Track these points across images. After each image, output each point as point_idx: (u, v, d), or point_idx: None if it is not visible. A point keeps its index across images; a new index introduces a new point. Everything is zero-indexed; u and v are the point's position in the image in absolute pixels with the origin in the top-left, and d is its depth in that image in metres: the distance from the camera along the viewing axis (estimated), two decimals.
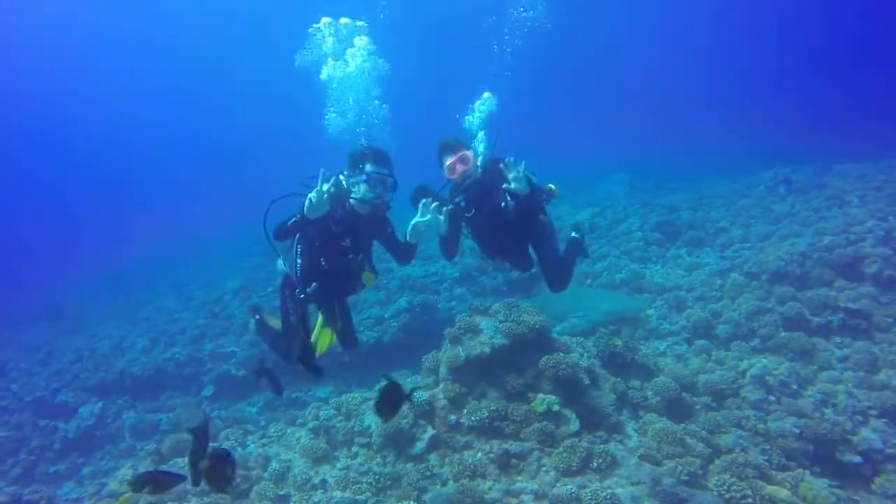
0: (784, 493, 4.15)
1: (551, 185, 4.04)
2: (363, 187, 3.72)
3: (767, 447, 5.12)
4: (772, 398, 5.99)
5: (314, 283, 3.72)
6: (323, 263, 3.77)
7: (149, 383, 9.44)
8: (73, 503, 6.74)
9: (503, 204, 3.95)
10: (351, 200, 3.76)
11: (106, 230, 30.14)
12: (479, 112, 4.28)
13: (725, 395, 6.08)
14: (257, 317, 4.60)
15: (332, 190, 3.51)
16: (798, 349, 6.67)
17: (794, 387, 6.13)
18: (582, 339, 6.50)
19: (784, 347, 6.76)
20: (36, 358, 11.44)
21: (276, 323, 4.42)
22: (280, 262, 4.06)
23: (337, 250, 3.80)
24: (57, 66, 32.74)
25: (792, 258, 7.99)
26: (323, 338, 4.27)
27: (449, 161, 4.03)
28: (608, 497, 3.86)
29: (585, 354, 5.91)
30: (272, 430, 5.93)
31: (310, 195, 3.45)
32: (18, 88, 32.84)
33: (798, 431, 5.33)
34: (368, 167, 3.73)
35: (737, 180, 13.63)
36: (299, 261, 3.82)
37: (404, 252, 4.09)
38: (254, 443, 5.81)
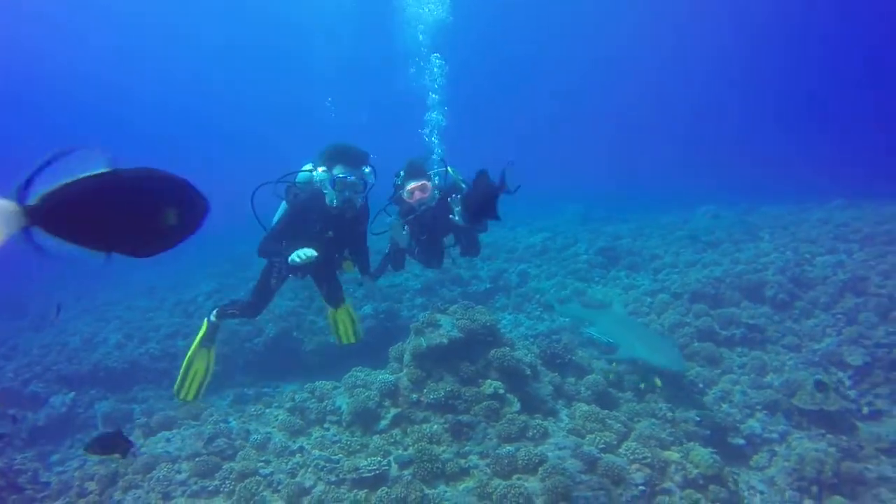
0: (676, 456, 5.22)
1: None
2: (331, 191, 4.00)
3: (672, 430, 6.23)
4: (682, 394, 7.14)
5: (299, 273, 4.29)
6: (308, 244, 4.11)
7: (122, 376, 9.87)
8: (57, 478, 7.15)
9: (446, 237, 4.95)
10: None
11: None
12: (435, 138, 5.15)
13: (643, 392, 7.19)
14: (218, 309, 5.31)
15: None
16: (707, 356, 7.88)
17: (701, 386, 7.31)
18: (529, 341, 7.55)
19: (696, 355, 7.97)
20: (0, 352, 11.62)
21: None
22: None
23: (320, 240, 4.17)
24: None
25: (709, 282, 9.30)
26: (196, 367, 5.06)
27: (411, 186, 4.54)
28: (538, 454, 4.83)
29: (529, 353, 6.93)
30: (252, 410, 6.65)
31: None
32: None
33: (698, 419, 6.47)
34: (336, 170, 4.01)
35: (676, 214, 15.21)
36: (285, 242, 4.23)
37: (365, 255, 4.65)
38: (234, 420, 6.51)
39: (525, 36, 34.84)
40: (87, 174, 1.42)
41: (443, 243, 5.23)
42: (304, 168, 4.35)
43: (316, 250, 4.04)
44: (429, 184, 4.59)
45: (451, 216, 4.77)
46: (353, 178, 4.02)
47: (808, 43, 34.01)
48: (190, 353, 5.16)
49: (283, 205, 4.46)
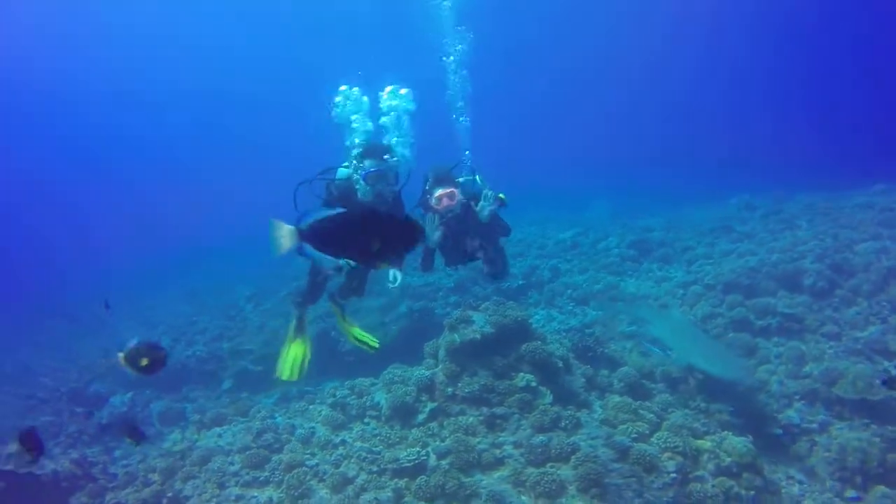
0: (708, 444, 5.29)
1: (501, 195, 4.77)
2: (363, 185, 4.11)
3: (706, 420, 6.26)
4: (718, 386, 7.14)
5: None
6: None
7: (174, 377, 10.42)
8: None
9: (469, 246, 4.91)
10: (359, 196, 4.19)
11: (107, 228, 30.88)
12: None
13: (678, 383, 7.22)
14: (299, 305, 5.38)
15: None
16: (742, 346, 7.84)
17: None
18: (561, 335, 7.68)
19: (731, 345, 7.93)
20: (59, 356, 12.41)
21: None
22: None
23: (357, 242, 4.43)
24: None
25: (743, 272, 9.21)
26: (293, 353, 5.13)
27: (439, 193, 4.56)
28: (570, 444, 4.99)
29: (561, 346, 7.06)
30: (296, 407, 7.00)
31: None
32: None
33: (732, 409, 6.49)
34: (367, 163, 4.10)
35: (708, 206, 15.00)
36: None
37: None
38: (280, 416, 6.87)
39: (534, 27, 34.54)
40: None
41: (467, 250, 5.19)
42: (342, 166, 4.50)
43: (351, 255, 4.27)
44: (457, 191, 4.65)
45: (477, 223, 4.86)
46: (382, 168, 4.16)
47: (825, 33, 32.83)
48: (285, 345, 5.35)
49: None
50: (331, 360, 9.91)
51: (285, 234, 2.42)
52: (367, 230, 2.36)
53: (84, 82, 35.54)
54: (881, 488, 5.21)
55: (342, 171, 4.41)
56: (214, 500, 5.20)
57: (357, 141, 4.82)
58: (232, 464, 5.72)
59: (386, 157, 4.21)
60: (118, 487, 6.28)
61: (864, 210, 10.97)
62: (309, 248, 2.40)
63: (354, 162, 4.27)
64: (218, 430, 6.60)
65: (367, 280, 5.17)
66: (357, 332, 5.20)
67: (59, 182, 38.67)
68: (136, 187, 38.48)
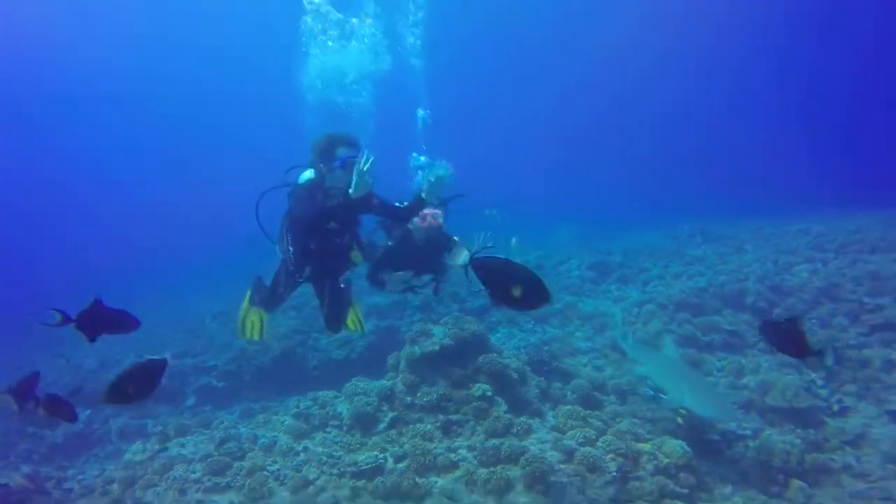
0: (648, 447, 5.68)
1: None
2: (339, 173, 3.92)
3: (651, 427, 6.67)
4: (663, 396, 7.57)
5: (308, 268, 4.27)
6: (312, 248, 4.13)
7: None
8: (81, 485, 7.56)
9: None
10: (328, 187, 4.02)
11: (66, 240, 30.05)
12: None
13: (627, 394, 7.63)
14: (256, 281, 5.27)
15: None
16: (689, 360, 8.33)
17: None
18: (519, 350, 8.04)
19: (653, 346, 8.42)
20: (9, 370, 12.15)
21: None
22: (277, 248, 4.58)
23: (324, 234, 4.08)
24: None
25: (692, 292, 9.80)
26: (251, 319, 4.97)
27: (425, 212, 4.56)
28: (520, 447, 5.31)
29: (517, 360, 7.41)
30: (259, 419, 7.15)
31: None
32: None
33: (678, 419, 6.91)
34: (340, 151, 3.96)
35: (664, 231, 15.76)
36: (291, 248, 4.23)
37: (403, 215, 4.36)
38: (243, 427, 7.00)
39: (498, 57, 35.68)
40: (492, 257, 2.60)
41: (413, 284, 5.19)
42: (304, 175, 4.30)
43: (319, 244, 4.16)
44: (441, 214, 4.73)
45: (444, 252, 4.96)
46: (357, 152, 3.93)
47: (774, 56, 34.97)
48: (241, 314, 5.19)
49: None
50: (297, 376, 10.04)
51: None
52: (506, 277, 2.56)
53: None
54: (797, 482, 5.67)
55: (305, 175, 4.25)
56: None
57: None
58: (194, 472, 5.83)
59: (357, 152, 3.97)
60: (74, 499, 6.29)
61: (802, 236, 11.79)
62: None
63: (320, 162, 4.09)
64: (181, 440, 6.68)
65: (338, 298, 4.93)
66: (353, 313, 5.14)
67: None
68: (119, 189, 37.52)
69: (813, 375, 7.71)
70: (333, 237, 4.17)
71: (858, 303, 8.48)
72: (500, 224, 4.86)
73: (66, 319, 2.83)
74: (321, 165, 4.06)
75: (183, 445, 6.43)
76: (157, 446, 6.68)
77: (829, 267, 9.87)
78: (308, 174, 4.21)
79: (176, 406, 10.13)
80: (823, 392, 7.53)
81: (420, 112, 5.62)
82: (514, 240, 5.06)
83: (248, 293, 5.26)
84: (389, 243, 4.89)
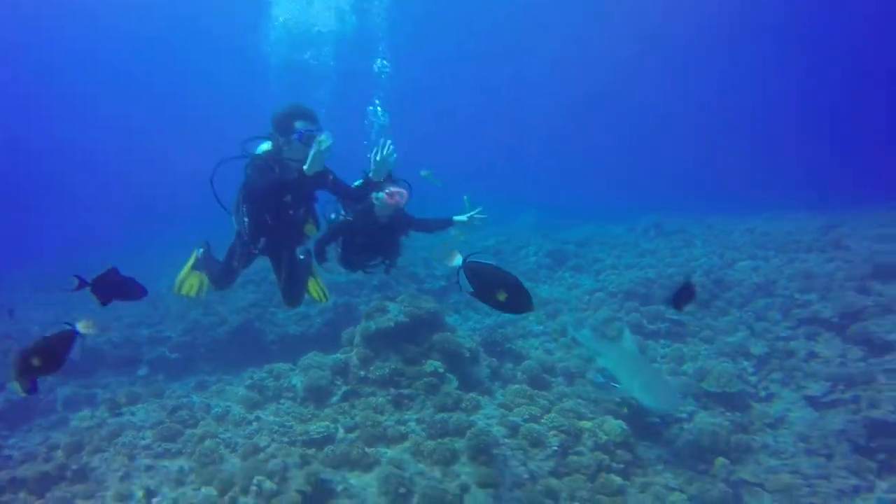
0: (589, 425, 6.01)
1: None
2: (294, 146, 3.94)
3: (595, 408, 7.02)
4: (616, 385, 7.96)
5: (263, 239, 4.22)
6: (268, 220, 4.11)
7: (83, 363, 10.15)
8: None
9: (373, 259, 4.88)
10: (286, 160, 4.01)
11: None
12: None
13: (575, 376, 7.99)
14: (203, 249, 5.13)
15: None
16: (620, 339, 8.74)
17: None
18: (474, 332, 8.28)
19: (612, 338, 8.82)
20: None
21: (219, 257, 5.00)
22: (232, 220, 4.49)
23: (279, 206, 4.10)
24: None
25: (641, 282, 10.23)
26: (191, 280, 4.89)
27: (392, 189, 4.53)
28: (467, 421, 5.54)
29: (471, 340, 7.64)
30: (213, 389, 7.17)
31: None
32: None
33: (619, 399, 7.29)
34: (298, 125, 3.95)
35: (623, 223, 16.27)
36: (246, 219, 4.20)
37: (354, 195, 4.44)
38: (196, 396, 7.03)
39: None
40: (483, 262, 2.83)
41: (368, 263, 5.15)
42: (261, 147, 4.29)
43: (275, 217, 4.16)
44: (407, 194, 4.69)
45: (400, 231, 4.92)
46: (316, 126, 4.03)
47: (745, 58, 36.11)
48: (182, 273, 5.06)
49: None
50: (254, 349, 10.04)
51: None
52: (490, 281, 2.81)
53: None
54: (721, 459, 6.12)
55: (262, 146, 4.25)
56: (123, 469, 5.33)
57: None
58: (143, 438, 5.85)
59: (316, 126, 4.06)
60: (13, 466, 6.19)
61: (748, 234, 12.41)
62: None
63: (278, 134, 4.10)
64: (131, 408, 6.66)
65: (294, 270, 4.87)
66: (316, 283, 5.14)
67: None
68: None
69: (745, 364, 8.24)
70: (288, 210, 4.21)
71: (790, 298, 9.04)
72: (438, 186, 4.90)
73: (83, 284, 3.00)
74: (279, 138, 4.07)
75: (133, 413, 6.41)
76: (105, 414, 6.64)
77: (769, 264, 10.46)
78: (266, 146, 4.21)
79: (128, 376, 9.99)
80: (753, 379, 8.06)
81: (378, 62, 5.48)
82: (465, 197, 5.13)
83: (194, 257, 5.12)
84: (349, 217, 4.76)
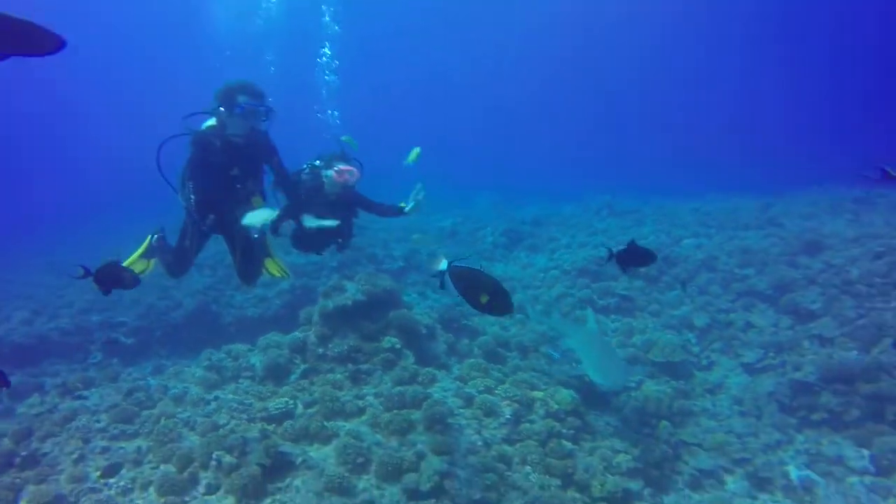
0: (541, 395, 6.30)
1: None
2: (237, 120, 3.99)
3: (548, 379, 7.33)
4: (558, 354, 8.32)
5: (211, 216, 4.17)
6: (214, 195, 4.12)
7: (31, 351, 9.83)
8: None
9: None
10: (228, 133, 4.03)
11: None
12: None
13: (529, 351, 8.29)
14: (158, 234, 5.07)
15: None
16: (586, 321, 9.12)
17: None
18: (429, 307, 8.46)
19: (577, 320, 9.20)
20: None
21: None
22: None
23: (226, 179, 4.13)
24: None
25: (593, 260, 10.62)
26: (137, 267, 4.81)
27: (343, 167, 4.60)
28: (423, 394, 5.74)
29: (428, 317, 7.82)
30: (170, 371, 7.13)
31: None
32: None
33: (570, 372, 7.64)
34: (241, 99, 4.00)
35: (577, 203, 16.71)
36: (193, 196, 4.18)
37: (291, 181, 4.55)
38: (153, 379, 6.98)
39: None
40: (467, 267, 2.98)
41: (322, 243, 5.16)
42: (206, 122, 4.28)
43: (223, 190, 4.16)
44: (357, 173, 4.71)
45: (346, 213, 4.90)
46: (260, 107, 4.09)
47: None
48: (130, 259, 4.97)
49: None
50: (212, 332, 9.95)
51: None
52: None
53: None
54: (664, 423, 6.54)
55: (208, 122, 4.25)
56: (78, 452, 5.29)
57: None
58: (98, 421, 5.80)
59: (258, 102, 4.13)
60: None
61: (694, 213, 12.98)
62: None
63: (222, 106, 4.13)
64: (84, 392, 6.56)
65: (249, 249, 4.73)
66: (274, 262, 5.06)
67: None
68: None
69: (689, 335, 8.74)
70: (235, 184, 4.23)
71: (730, 273, 9.59)
72: (355, 150, 4.99)
73: (87, 273, 3.40)
74: (222, 112, 4.08)
75: (86, 397, 6.33)
76: (56, 399, 6.53)
77: (711, 241, 11.02)
78: (211, 122, 4.21)
79: (80, 363, 9.75)
80: (696, 349, 8.56)
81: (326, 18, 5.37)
82: (415, 150, 5.22)
83: (146, 243, 5.05)
84: (300, 196, 4.74)
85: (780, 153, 28.95)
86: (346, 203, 4.95)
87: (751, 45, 36.28)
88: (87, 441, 5.52)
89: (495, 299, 2.83)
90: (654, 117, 40.85)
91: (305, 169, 4.92)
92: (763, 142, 32.65)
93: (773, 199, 13.01)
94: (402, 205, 4.96)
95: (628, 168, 28.53)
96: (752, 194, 14.87)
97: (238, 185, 4.22)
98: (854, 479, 5.92)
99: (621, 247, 3.85)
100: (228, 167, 4.13)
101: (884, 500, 5.59)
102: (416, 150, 5.28)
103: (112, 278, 3.49)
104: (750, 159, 27.69)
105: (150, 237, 5.10)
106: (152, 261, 4.98)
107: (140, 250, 5.03)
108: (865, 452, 6.10)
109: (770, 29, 34.78)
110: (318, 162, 4.89)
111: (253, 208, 4.22)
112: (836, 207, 11.41)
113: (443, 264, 2.99)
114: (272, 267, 5.12)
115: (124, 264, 4.80)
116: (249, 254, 4.73)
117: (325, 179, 4.70)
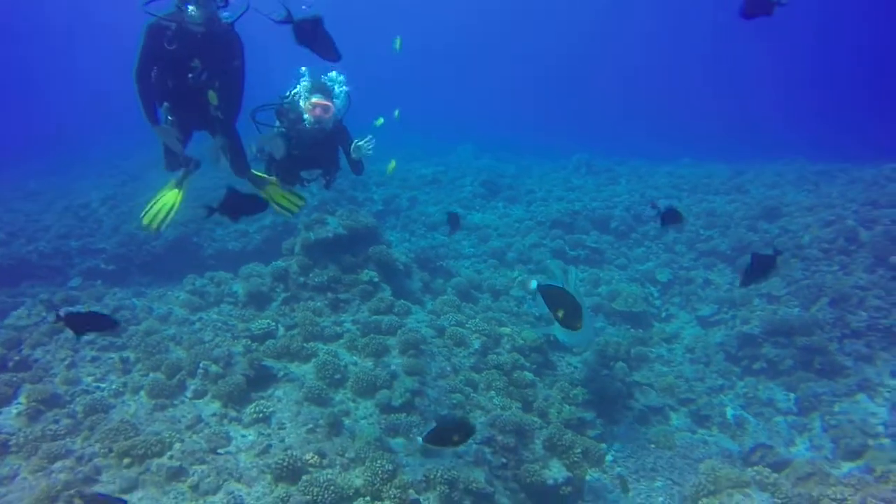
0: (508, 330, 6.77)
1: (380, 121, 5.21)
2: (191, 7, 3.84)
3: (516, 320, 7.81)
4: (528, 297, 8.80)
5: (165, 103, 4.11)
6: (169, 84, 4.04)
7: (9, 273, 9.91)
8: None
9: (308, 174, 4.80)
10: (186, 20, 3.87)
11: None
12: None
13: (500, 293, 8.73)
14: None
15: None
16: (557, 270, 9.59)
17: None
18: (407, 248, 8.80)
19: (548, 269, 9.65)
20: None
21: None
22: None
23: (183, 69, 4.00)
24: None
25: (567, 213, 11.02)
26: (167, 198, 4.80)
27: (316, 100, 4.39)
28: (398, 322, 6.12)
29: (405, 256, 8.16)
30: (154, 294, 7.37)
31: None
32: None
33: (538, 314, 8.14)
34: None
35: (557, 160, 17.00)
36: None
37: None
38: (137, 300, 7.22)
39: None
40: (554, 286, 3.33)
41: (304, 178, 5.09)
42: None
43: (178, 83, 4.07)
44: (333, 107, 4.49)
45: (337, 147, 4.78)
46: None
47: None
48: (160, 192, 4.92)
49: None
50: (192, 263, 10.12)
51: None
52: None
53: None
54: (620, 363, 7.10)
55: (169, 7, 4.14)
56: (69, 359, 5.58)
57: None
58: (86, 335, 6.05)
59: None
60: None
61: (667, 177, 13.42)
62: None
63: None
64: (69, 308, 6.77)
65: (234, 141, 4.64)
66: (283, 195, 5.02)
67: None
68: None
69: (651, 289, 9.28)
70: (189, 72, 4.04)
71: (696, 234, 10.10)
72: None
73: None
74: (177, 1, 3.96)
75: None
76: (43, 313, 6.74)
77: (681, 203, 11.49)
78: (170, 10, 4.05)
79: (59, 286, 9.87)
80: (657, 302, 9.13)
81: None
82: (396, 112, 5.29)
83: (180, 175, 4.84)
84: (282, 129, 4.62)
85: (762, 122, 29.50)
86: (331, 137, 4.79)
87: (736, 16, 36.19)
88: (75, 351, 5.79)
89: (567, 315, 3.24)
90: (639, 82, 40.85)
91: (287, 97, 4.73)
92: (746, 111, 33.10)
93: (744, 167, 13.49)
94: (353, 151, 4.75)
95: (611, 130, 28.79)
96: (727, 162, 15.33)
97: (190, 75, 4.04)
98: (779, 418, 6.60)
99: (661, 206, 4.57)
100: (189, 58, 3.98)
101: (800, 434, 6.29)
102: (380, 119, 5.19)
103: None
104: (733, 127, 28.20)
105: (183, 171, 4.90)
106: (182, 194, 4.93)
107: (174, 181, 4.91)
108: (792, 396, 6.78)
109: None
110: (297, 90, 4.67)
111: (211, 104, 4.14)
112: (801, 178, 11.93)
113: (533, 284, 3.55)
114: (279, 197, 5.05)
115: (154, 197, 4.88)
116: (235, 145, 4.65)
117: (303, 115, 4.53)
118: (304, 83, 4.63)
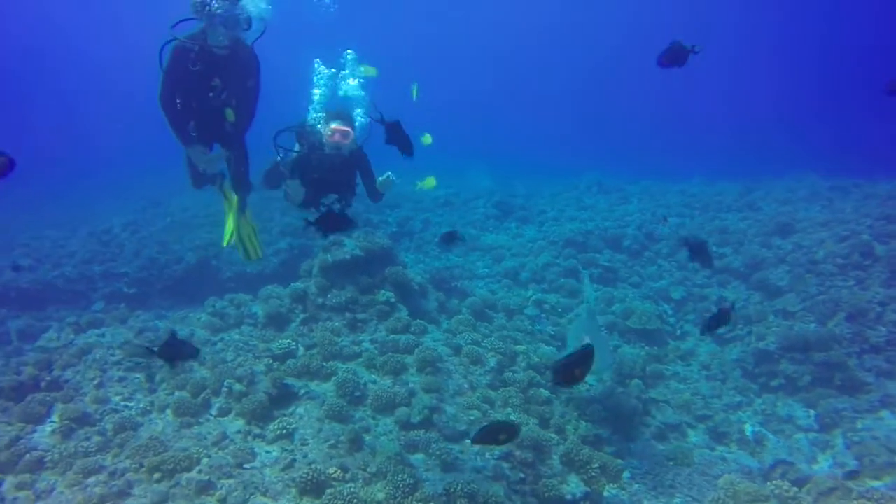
0: (523, 349, 6.84)
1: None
2: (221, 30, 3.93)
3: (530, 339, 7.88)
4: (543, 315, 8.87)
5: (191, 122, 4.25)
6: (193, 104, 4.20)
7: (35, 297, 10.20)
8: None
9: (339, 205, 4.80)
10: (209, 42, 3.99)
11: None
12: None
13: (514, 313, 8.81)
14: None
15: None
16: (569, 290, 9.65)
17: (559, 310, 9.06)
18: (422, 269, 8.94)
19: (561, 288, 9.73)
20: None
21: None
22: None
23: (205, 89, 4.15)
24: None
25: (580, 232, 11.12)
26: (244, 230, 4.91)
27: (336, 126, 4.49)
28: (416, 342, 6.24)
29: (421, 276, 8.30)
30: (176, 316, 7.57)
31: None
32: None
33: (552, 332, 8.20)
34: (215, 4, 3.89)
35: (568, 179, 17.16)
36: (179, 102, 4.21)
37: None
38: (160, 322, 7.42)
39: None
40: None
41: (323, 203, 5.04)
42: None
43: (200, 102, 4.21)
44: (352, 133, 4.57)
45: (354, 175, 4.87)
46: (235, 9, 3.94)
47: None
48: (230, 226, 5.02)
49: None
50: (211, 286, 10.35)
51: None
52: None
53: None
54: (636, 380, 7.12)
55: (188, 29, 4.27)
56: (98, 379, 5.75)
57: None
58: (113, 355, 6.25)
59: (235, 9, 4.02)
60: None
61: (679, 195, 13.50)
62: None
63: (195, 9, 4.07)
64: (96, 331, 7.00)
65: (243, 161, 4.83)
66: (249, 234, 5.07)
67: None
68: None
69: (665, 307, 9.31)
70: (209, 91, 4.19)
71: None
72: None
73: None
74: (202, 22, 4.06)
75: (100, 336, 6.77)
76: (71, 335, 6.96)
77: (693, 221, 11.56)
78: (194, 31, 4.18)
79: (84, 310, 10.12)
80: (671, 320, 9.15)
81: None
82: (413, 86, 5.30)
83: (227, 207, 4.96)
84: (303, 151, 4.68)
85: (773, 139, 29.49)
86: (349, 162, 4.88)
87: (745, 29, 36.53)
88: (104, 371, 5.97)
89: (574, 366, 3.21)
90: (650, 98, 41.12)
91: (306, 122, 4.80)
92: (756, 128, 33.12)
93: (754, 185, 13.53)
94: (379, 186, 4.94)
95: (621, 148, 28.98)
96: (739, 179, 15.38)
97: (211, 94, 4.18)
98: (800, 435, 6.55)
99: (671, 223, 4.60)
100: (210, 77, 4.11)
101: (822, 451, 6.23)
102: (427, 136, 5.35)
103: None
104: (743, 145, 28.22)
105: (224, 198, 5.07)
106: (247, 213, 5.06)
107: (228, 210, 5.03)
108: (812, 412, 6.74)
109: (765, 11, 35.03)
110: (314, 116, 4.76)
111: (228, 122, 4.26)
112: (813, 194, 11.95)
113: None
114: (247, 240, 5.07)
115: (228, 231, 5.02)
116: (242, 163, 4.82)
117: (323, 139, 4.59)
118: (326, 112, 4.72)
